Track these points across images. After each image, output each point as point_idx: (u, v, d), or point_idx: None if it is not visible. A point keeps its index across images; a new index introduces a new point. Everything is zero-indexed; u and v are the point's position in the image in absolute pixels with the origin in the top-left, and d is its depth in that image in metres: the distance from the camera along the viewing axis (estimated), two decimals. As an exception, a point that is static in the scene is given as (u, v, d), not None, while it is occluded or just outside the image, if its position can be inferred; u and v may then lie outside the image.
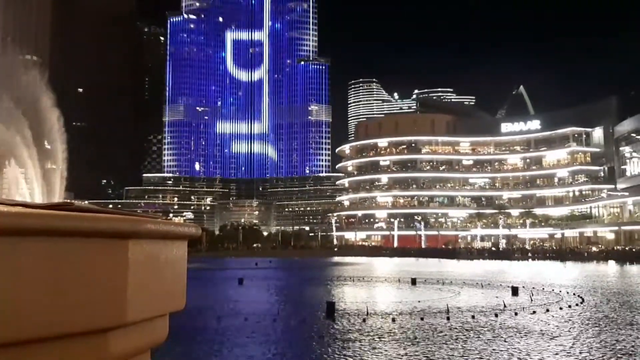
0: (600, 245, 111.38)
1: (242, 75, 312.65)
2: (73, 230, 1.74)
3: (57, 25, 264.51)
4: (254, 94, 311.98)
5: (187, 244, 2.35)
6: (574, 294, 34.27)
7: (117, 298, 1.85)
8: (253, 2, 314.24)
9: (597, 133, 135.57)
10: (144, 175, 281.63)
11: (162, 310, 2.18)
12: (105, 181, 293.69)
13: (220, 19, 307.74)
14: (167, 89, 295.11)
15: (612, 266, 79.10)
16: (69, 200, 2.04)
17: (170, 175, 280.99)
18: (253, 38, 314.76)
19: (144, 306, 1.99)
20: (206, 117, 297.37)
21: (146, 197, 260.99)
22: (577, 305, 28.81)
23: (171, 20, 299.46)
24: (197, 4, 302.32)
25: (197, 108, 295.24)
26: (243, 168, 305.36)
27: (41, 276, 1.67)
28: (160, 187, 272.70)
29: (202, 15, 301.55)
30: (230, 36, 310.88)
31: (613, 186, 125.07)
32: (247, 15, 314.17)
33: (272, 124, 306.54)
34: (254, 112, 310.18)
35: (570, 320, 23.54)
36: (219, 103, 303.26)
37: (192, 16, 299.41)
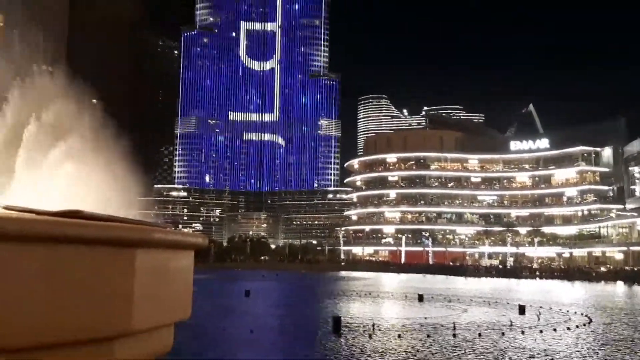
0: (608, 265, 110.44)
1: (254, 90, 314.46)
2: (80, 238, 1.75)
3: (73, 38, 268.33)
4: (265, 107, 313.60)
5: (194, 253, 2.37)
6: (581, 314, 34.13)
7: (123, 306, 1.86)
8: (266, 15, 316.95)
9: (607, 153, 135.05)
10: (155, 186, 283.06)
11: (168, 320, 2.20)
12: (116, 192, 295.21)
13: (233, 34, 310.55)
14: (180, 101, 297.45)
15: (620, 286, 78.47)
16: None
17: (181, 186, 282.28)
18: (266, 52, 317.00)
19: (150, 315, 2.00)
20: (217, 130, 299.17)
21: (156, 207, 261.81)
22: (584, 325, 28.72)
23: (185, 34, 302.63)
24: (211, 19, 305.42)
25: (209, 121, 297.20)
26: (252, 181, 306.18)
27: (48, 283, 1.68)
28: (170, 198, 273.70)
29: (216, 30, 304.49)
30: (242, 51, 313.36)
31: (622, 206, 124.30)
32: (260, 29, 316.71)
33: (282, 138, 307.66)
34: (264, 126, 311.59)
35: (577, 340, 23.50)
36: (230, 116, 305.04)
37: (205, 31, 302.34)
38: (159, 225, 2.16)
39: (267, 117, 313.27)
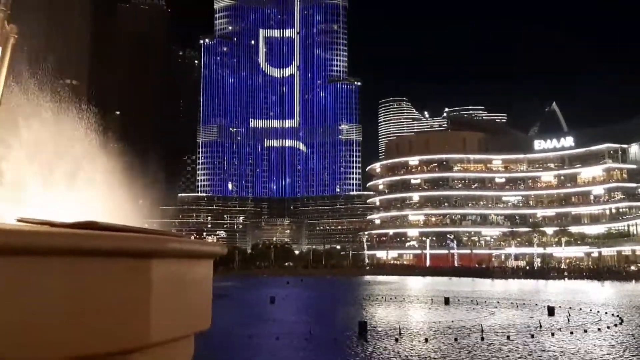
0: (639, 264, 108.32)
1: (274, 96, 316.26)
2: (95, 250, 1.74)
3: (95, 51, 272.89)
4: (285, 113, 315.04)
5: (212, 262, 2.34)
6: (612, 314, 33.50)
7: (140, 318, 1.83)
8: (284, 22, 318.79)
9: (634, 149, 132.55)
10: (179, 195, 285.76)
11: (187, 331, 2.16)
12: (141, 201, 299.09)
13: (252, 42, 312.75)
14: (201, 110, 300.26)
15: (652, 286, 76.90)
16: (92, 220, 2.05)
17: (204, 194, 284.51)
18: (285, 58, 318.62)
19: (168, 327, 1.97)
20: (239, 138, 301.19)
21: (180, 216, 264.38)
22: (616, 325, 28.17)
23: (204, 43, 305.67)
24: (230, 28, 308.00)
25: (230, 129, 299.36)
26: (275, 187, 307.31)
27: (63, 296, 1.66)
28: (194, 207, 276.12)
29: (235, 39, 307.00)
30: (262, 58, 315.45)
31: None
32: (278, 36, 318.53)
33: (304, 143, 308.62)
34: (285, 132, 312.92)
35: (609, 341, 23.02)
36: (251, 123, 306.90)
37: (224, 40, 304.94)
38: (175, 235, 2.11)
39: (287, 123, 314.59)
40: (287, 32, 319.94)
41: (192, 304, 2.17)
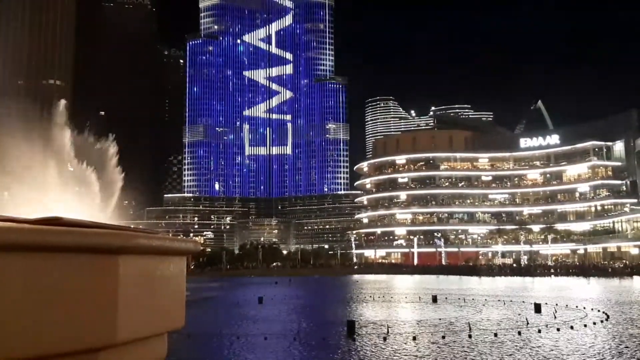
0: (624, 261, 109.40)
1: (260, 96, 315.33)
2: (60, 246, 1.68)
3: (80, 50, 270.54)
4: (272, 112, 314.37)
5: (185, 260, 2.29)
6: (598, 311, 33.77)
7: (107, 316, 1.77)
8: (270, 21, 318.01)
9: (618, 147, 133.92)
10: (165, 195, 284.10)
11: (159, 329, 2.10)
12: (126, 202, 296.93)
13: (238, 41, 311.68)
14: (187, 110, 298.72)
15: (637, 282, 77.69)
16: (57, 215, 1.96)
17: (191, 195, 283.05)
18: (271, 58, 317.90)
19: (138, 325, 1.91)
20: (225, 138, 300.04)
21: (167, 217, 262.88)
22: (602, 322, 28.38)
23: (190, 43, 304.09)
24: (216, 27, 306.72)
25: (217, 129, 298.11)
26: (262, 187, 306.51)
27: (27, 293, 1.61)
28: (180, 207, 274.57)
29: (220, 38, 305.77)
30: (248, 57, 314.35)
31: (636, 200, 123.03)
32: (264, 36, 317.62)
33: (291, 143, 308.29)
34: (272, 132, 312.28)
35: (595, 338, 23.20)
36: (238, 123, 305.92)
37: (210, 39, 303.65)
38: (144, 231, 2.03)
39: (274, 123, 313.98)
40: (273, 31, 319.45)
41: (164, 302, 2.11)
